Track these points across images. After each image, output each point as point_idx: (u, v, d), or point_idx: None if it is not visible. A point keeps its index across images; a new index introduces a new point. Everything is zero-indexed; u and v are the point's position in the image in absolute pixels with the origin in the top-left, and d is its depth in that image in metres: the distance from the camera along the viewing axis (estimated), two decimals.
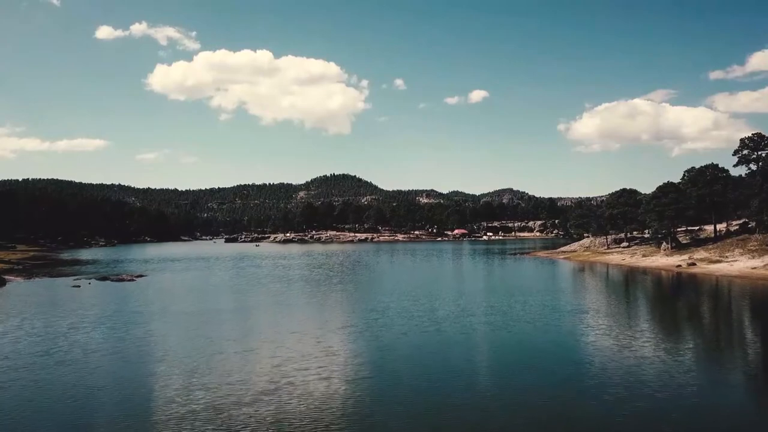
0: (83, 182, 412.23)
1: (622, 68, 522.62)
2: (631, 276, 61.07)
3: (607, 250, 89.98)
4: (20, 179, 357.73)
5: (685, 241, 77.56)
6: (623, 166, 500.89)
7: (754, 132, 72.20)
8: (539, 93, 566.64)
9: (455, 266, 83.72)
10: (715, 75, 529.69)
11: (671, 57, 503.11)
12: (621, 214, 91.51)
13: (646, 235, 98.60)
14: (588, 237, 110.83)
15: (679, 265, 62.18)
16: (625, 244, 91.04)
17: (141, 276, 64.14)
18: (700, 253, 66.76)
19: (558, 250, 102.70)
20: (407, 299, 41.71)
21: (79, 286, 52.49)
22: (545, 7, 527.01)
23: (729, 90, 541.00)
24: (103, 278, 61.02)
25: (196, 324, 31.89)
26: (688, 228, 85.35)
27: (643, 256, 74.98)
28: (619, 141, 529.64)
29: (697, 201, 74.33)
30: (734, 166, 73.45)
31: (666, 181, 76.96)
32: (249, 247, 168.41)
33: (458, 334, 28.93)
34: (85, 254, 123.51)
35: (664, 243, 75.16)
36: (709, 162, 77.80)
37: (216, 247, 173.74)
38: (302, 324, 31.96)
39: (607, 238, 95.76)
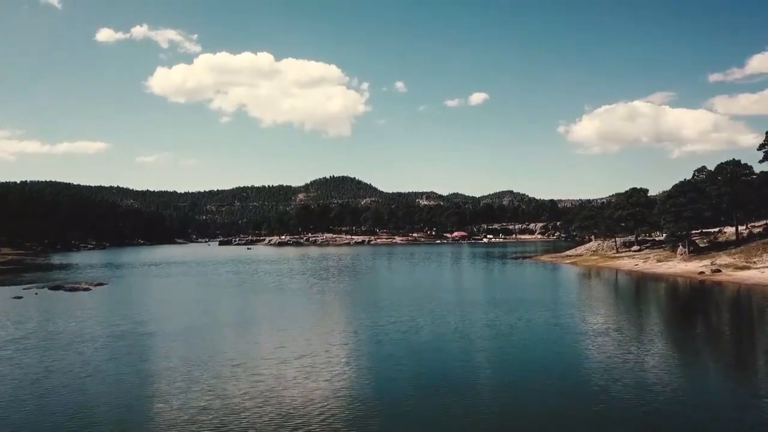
0: (81, 184, 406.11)
1: (621, 70, 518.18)
2: (648, 284, 54.34)
3: (616, 254, 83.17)
4: (18, 181, 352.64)
5: (702, 245, 70.76)
6: (623, 168, 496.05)
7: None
8: (539, 95, 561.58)
9: (451, 272, 77.07)
10: (715, 77, 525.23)
11: (671, 59, 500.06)
12: (631, 215, 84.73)
13: (658, 238, 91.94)
14: (594, 240, 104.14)
15: (702, 272, 55.36)
16: (636, 247, 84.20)
17: (100, 284, 57.54)
18: (723, 259, 59.99)
19: (563, 253, 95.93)
20: (389, 315, 35.04)
21: (21, 297, 46.10)
22: (545, 10, 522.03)
23: (728, 92, 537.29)
24: (56, 287, 54.46)
25: (115, 352, 25.30)
26: (703, 230, 78.55)
27: (658, 261, 68.16)
28: (619, 143, 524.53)
29: (717, 200, 67.53)
30: (760, 162, 66.76)
31: (684, 179, 70.23)
32: (240, 251, 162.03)
33: (443, 369, 22.26)
34: (67, 258, 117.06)
35: (681, 247, 68.37)
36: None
37: (207, 250, 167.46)
38: (248, 352, 25.33)
39: (616, 241, 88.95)
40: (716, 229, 73.87)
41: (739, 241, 66.71)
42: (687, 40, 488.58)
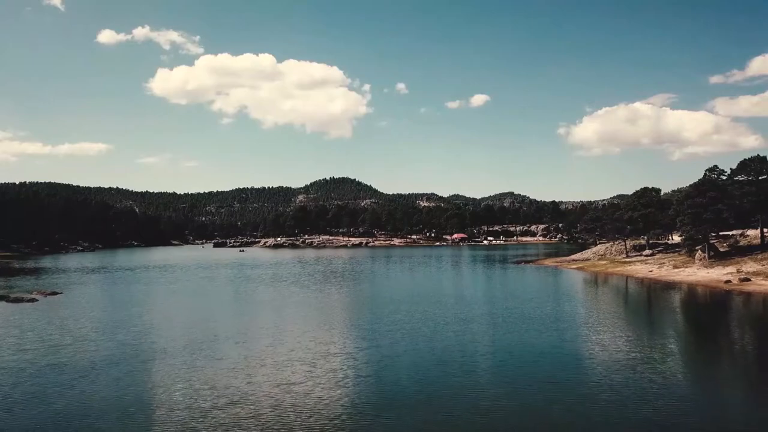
0: (81, 185, 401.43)
1: (622, 72, 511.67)
2: (668, 295, 48.02)
3: (626, 259, 76.86)
4: (17, 182, 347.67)
5: (723, 249, 64.44)
6: (624, 170, 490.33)
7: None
8: (540, 97, 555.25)
9: (446, 280, 70.77)
10: (716, 79, 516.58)
11: (671, 61, 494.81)
12: (642, 217, 78.38)
13: (671, 242, 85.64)
14: (602, 243, 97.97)
15: (728, 281, 49.05)
16: (648, 251, 77.89)
17: (53, 294, 51.41)
18: (749, 265, 53.70)
19: (568, 258, 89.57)
20: (363, 339, 28.94)
21: None
22: (546, 12, 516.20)
23: (729, 94, 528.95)
24: (0, 297, 48.45)
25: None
26: (720, 233, 72.05)
27: (675, 267, 61.83)
28: (620, 145, 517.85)
29: (740, 201, 61.27)
30: None
31: (703, 176, 63.83)
32: (232, 253, 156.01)
33: (408, 425, 16.05)
34: (49, 261, 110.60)
35: (700, 251, 62.05)
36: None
37: (198, 253, 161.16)
38: (158, 398, 19.18)
39: (626, 245, 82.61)
40: (737, 232, 67.46)
41: (764, 246, 60.46)
42: (688, 42, 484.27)
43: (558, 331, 30.59)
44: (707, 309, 41.37)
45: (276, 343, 28.13)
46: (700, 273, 56.05)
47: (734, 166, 64.58)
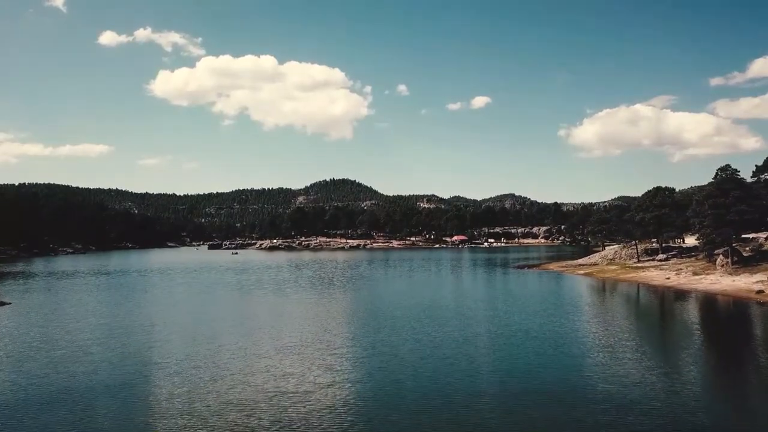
0: (80, 186, 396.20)
1: (623, 74, 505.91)
2: (695, 308, 42.30)
3: (638, 264, 71.13)
4: (17, 183, 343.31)
5: (746, 254, 58.73)
6: (624, 172, 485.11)
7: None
8: (541, 98, 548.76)
9: (443, 287, 65.13)
10: (716, 81, 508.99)
11: (672, 63, 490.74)
12: (654, 219, 72.58)
13: (685, 245, 79.92)
14: (609, 246, 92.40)
15: (761, 291, 43.36)
16: (661, 255, 72.10)
17: (3, 304, 46.00)
18: None
19: (575, 262, 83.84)
20: (328, 369, 23.41)
21: None
22: (547, 14, 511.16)
23: (730, 96, 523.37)
24: None
25: None
26: (741, 236, 66.30)
27: (695, 274, 56.14)
28: (620, 147, 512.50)
29: (766, 200, 55.70)
30: None
31: (716, 176, 58.11)
32: (225, 256, 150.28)
33: None
34: (33, 265, 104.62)
35: (722, 257, 56.34)
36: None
37: (191, 255, 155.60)
38: None
39: (637, 249, 76.88)
40: (762, 235, 61.74)
41: None
42: (688, 44, 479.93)
43: (573, 358, 25.03)
44: (747, 326, 35.41)
45: (218, 375, 22.47)
46: (724, 281, 50.34)
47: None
